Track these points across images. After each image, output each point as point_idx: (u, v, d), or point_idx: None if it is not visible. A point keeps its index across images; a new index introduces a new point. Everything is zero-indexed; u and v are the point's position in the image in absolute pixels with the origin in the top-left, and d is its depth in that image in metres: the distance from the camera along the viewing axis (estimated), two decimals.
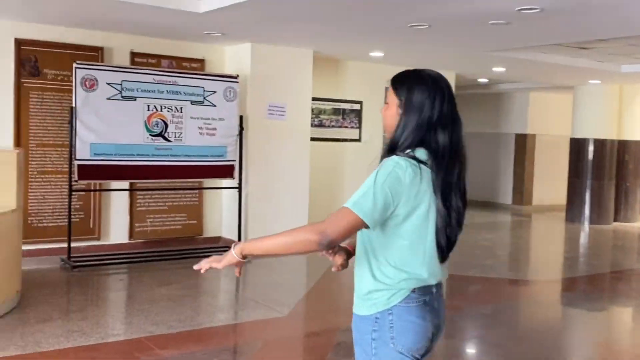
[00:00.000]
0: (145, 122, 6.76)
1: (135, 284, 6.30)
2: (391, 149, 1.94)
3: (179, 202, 7.79)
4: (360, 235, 2.00)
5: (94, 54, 7.04)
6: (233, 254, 1.96)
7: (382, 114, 2.04)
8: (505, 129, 13.46)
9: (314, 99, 8.40)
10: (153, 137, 6.80)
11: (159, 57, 7.52)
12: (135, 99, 6.69)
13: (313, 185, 8.36)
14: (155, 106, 6.80)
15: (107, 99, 6.51)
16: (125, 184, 7.26)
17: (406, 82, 1.97)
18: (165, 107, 6.86)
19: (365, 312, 1.97)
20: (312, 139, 8.40)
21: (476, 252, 8.37)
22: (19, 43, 6.64)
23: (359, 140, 9.41)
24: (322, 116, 9.01)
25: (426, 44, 7.40)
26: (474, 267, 7.37)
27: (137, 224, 7.50)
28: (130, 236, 7.46)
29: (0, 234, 4.83)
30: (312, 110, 8.48)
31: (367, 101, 9.41)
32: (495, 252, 8.81)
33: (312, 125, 8.41)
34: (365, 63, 9.18)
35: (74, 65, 6.36)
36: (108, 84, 6.52)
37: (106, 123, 6.51)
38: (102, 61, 7.03)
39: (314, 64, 8.20)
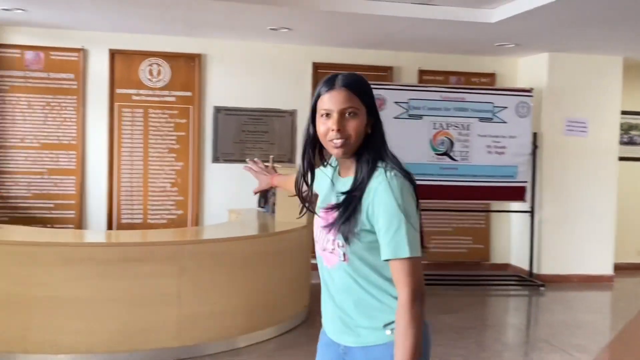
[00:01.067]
0: (430, 140, 6.58)
1: None
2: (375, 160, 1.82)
3: (464, 224, 7.42)
4: (356, 259, 1.79)
5: (383, 74, 7.11)
6: None
7: (351, 121, 1.80)
8: None
9: (623, 112, 7.30)
10: (438, 156, 6.59)
11: (447, 73, 7.31)
12: (422, 117, 6.55)
13: (621, 211, 7.27)
14: (441, 124, 6.58)
15: (394, 117, 6.48)
16: None
17: (367, 87, 1.86)
18: (451, 125, 6.60)
19: (386, 339, 1.79)
20: (621, 159, 7.32)
21: None
22: (316, 67, 7.00)
23: None
24: (632, 132, 7.81)
25: None
26: None
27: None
28: None
29: (291, 250, 5.02)
30: (621, 125, 7.37)
31: None
32: None
33: (620, 142, 7.33)
34: None
35: None
36: (395, 102, 6.50)
37: (393, 142, 6.45)
38: (391, 80, 7.06)
39: (624, 73, 7.14)
